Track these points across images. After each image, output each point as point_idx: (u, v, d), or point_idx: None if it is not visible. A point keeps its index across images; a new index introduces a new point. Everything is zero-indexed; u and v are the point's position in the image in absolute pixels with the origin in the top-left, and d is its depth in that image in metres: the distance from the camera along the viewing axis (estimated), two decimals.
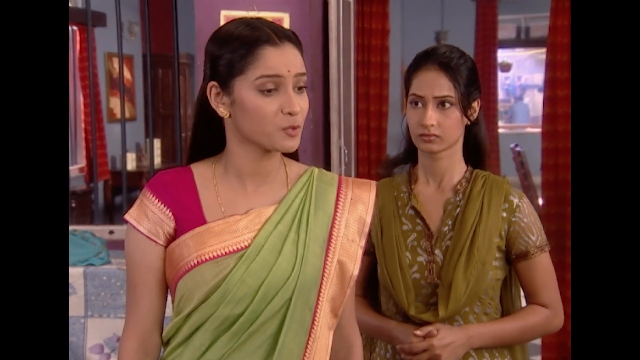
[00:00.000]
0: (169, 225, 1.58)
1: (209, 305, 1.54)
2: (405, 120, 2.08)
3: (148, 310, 1.61)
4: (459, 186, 2.03)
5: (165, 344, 1.63)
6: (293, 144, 1.55)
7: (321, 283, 1.58)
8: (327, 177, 1.67)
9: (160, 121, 8.06)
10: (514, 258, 2.00)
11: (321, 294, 1.59)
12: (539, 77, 13.49)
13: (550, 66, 4.08)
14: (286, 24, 3.41)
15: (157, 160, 7.09)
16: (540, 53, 10.57)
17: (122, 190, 4.21)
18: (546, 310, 2.01)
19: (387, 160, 2.20)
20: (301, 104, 1.54)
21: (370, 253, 2.06)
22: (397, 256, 1.98)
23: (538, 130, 10.88)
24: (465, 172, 2.05)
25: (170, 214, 1.58)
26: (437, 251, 1.99)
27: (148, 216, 1.59)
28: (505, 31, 8.93)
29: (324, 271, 1.59)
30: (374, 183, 1.69)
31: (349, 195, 1.65)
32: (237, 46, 1.52)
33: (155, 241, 1.59)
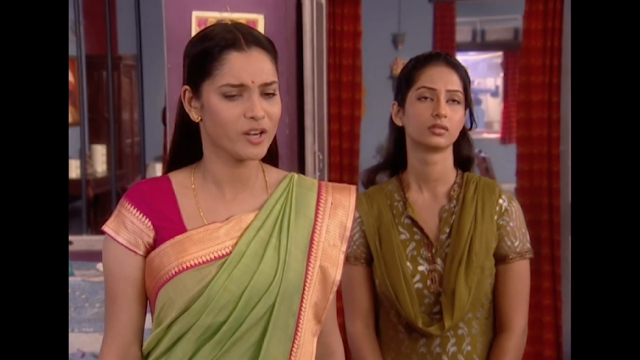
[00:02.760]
0: (149, 235, 1.62)
1: (191, 314, 1.57)
2: (389, 126, 2.15)
3: (127, 322, 1.63)
4: (452, 192, 2.09)
5: (146, 357, 1.65)
6: (256, 152, 1.58)
7: (304, 289, 1.63)
8: (307, 182, 1.72)
9: (105, 126, 7.97)
10: (494, 260, 2.06)
11: (304, 300, 1.63)
12: (491, 82, 13.72)
13: (524, 70, 4.19)
14: (261, 26, 3.45)
15: (103, 167, 7.00)
16: (495, 57, 10.76)
17: (82, 198, 4.19)
18: (511, 344, 2.07)
19: (369, 169, 2.25)
20: (269, 109, 1.57)
21: (368, 262, 2.10)
22: (400, 266, 2.03)
23: (494, 135, 11.07)
24: (457, 176, 2.11)
25: (150, 223, 1.62)
26: (438, 260, 2.04)
27: (127, 226, 1.62)
28: (460, 34, 9.05)
29: (306, 277, 1.63)
30: (353, 187, 1.74)
31: (329, 200, 1.70)
32: (205, 49, 1.58)
33: (134, 251, 1.61)
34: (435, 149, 2.03)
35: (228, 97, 1.56)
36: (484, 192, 2.07)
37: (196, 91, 1.59)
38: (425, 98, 2.02)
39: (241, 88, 1.56)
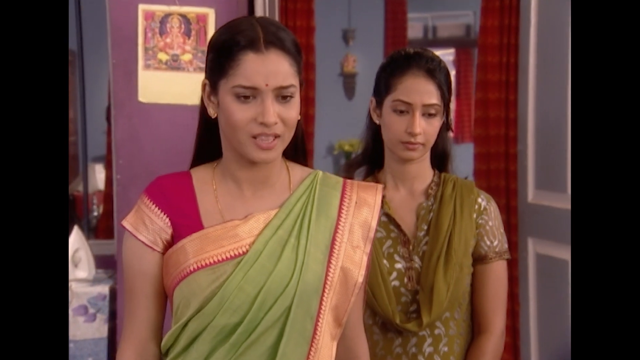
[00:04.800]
0: (167, 232, 1.64)
1: (206, 314, 1.58)
2: (367, 120, 2.16)
3: (145, 318, 1.67)
4: (429, 190, 2.12)
5: (165, 354, 1.67)
6: (264, 157, 1.59)
7: (323, 291, 1.63)
8: (331, 180, 1.73)
9: None
10: (473, 261, 2.09)
11: (323, 302, 1.63)
12: None
13: (481, 68, 4.21)
14: (211, 20, 3.41)
15: None
16: (447, 54, 10.84)
17: None
18: (490, 345, 2.08)
19: (348, 162, 2.26)
20: (284, 113, 1.57)
21: None
22: (376, 264, 2.03)
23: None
24: (434, 175, 2.14)
25: (168, 220, 1.64)
26: (415, 257, 2.06)
27: (145, 223, 1.65)
28: (412, 30, 9.08)
29: (326, 278, 1.63)
30: (380, 186, 1.75)
31: (354, 198, 1.71)
32: (224, 47, 1.58)
33: (152, 248, 1.64)
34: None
35: (240, 98, 1.56)
36: (462, 191, 2.10)
37: (214, 87, 1.61)
38: (401, 112, 2.03)
39: (254, 90, 1.55)
